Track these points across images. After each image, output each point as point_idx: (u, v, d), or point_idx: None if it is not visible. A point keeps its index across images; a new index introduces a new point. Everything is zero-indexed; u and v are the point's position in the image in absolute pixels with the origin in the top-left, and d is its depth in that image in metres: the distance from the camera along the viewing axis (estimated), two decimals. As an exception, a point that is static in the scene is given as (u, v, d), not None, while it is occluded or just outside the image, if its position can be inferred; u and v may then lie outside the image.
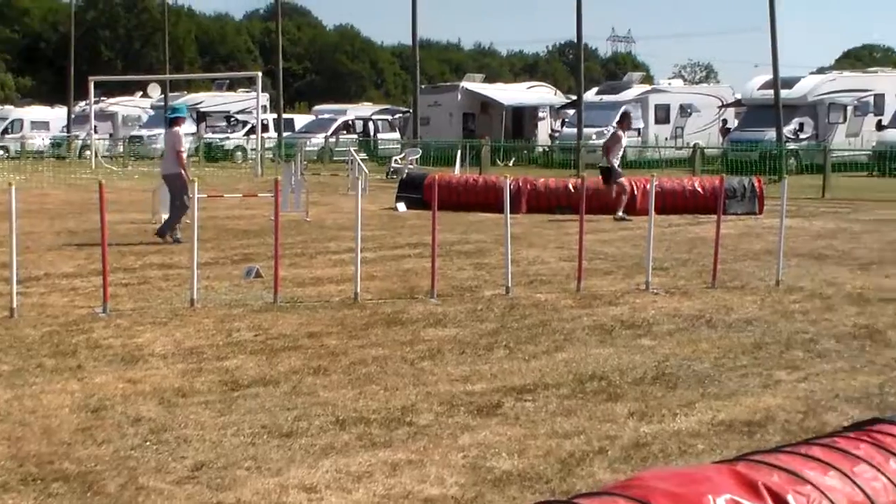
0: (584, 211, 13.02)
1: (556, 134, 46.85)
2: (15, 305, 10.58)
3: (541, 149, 45.35)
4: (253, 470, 6.08)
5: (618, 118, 24.07)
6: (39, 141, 54.35)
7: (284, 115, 50.90)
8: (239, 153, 48.80)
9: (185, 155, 17.44)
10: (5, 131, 56.16)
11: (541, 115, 49.77)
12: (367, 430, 6.85)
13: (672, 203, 21.65)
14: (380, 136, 49.07)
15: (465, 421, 7.07)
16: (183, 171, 17.14)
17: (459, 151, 32.47)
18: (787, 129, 37.03)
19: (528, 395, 7.71)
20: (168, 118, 18.75)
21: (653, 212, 13.01)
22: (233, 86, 60.34)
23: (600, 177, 21.57)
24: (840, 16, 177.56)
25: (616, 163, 21.37)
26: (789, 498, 3.78)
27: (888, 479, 4.09)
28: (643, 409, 7.37)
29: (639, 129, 43.30)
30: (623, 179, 21.33)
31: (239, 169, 42.22)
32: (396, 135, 49.53)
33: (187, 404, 7.44)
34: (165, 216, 17.46)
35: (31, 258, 14.16)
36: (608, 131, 28.35)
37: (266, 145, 45.19)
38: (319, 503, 5.60)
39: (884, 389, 7.93)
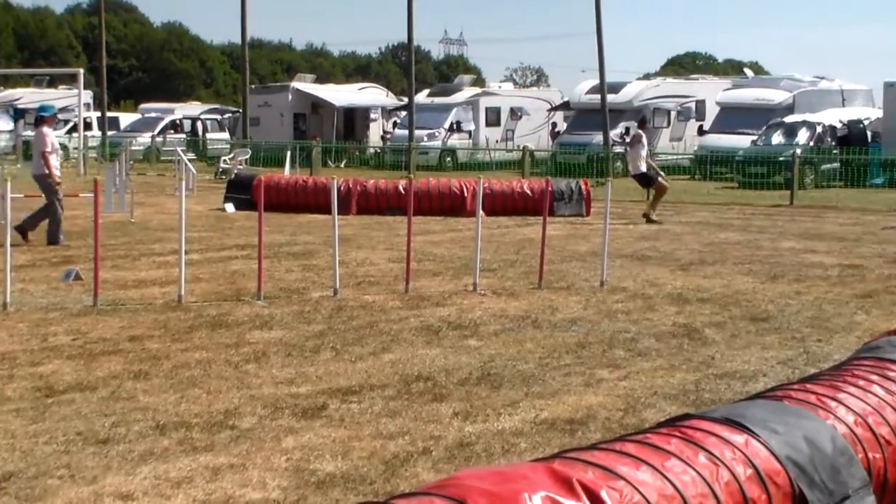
0: (414, 212, 13.05)
1: (388, 135, 46.93)
2: None
3: (372, 150, 45.36)
4: (66, 479, 5.87)
5: (638, 121, 23.99)
6: None
7: (109, 114, 49.48)
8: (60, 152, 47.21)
9: (52, 155, 16.73)
10: None
11: (372, 116, 49.79)
12: (188, 434, 6.71)
13: (502, 205, 21.95)
14: (209, 135, 48.24)
15: (290, 424, 7.00)
16: (50, 172, 16.49)
17: (289, 152, 32.18)
18: (614, 133, 37.96)
19: (354, 397, 7.68)
20: (36, 117, 17.90)
21: (480, 213, 13.14)
22: (54, 82, 58.42)
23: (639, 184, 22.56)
24: (665, 24, 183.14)
25: (643, 167, 21.94)
26: (603, 493, 3.85)
27: (697, 472, 4.21)
28: (468, 409, 7.42)
29: (469, 132, 43.74)
30: (662, 179, 22.06)
31: (60, 168, 40.84)
32: (226, 135, 48.76)
33: (-3, 412, 7.14)
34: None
35: None
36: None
37: (90, 144, 43.88)
38: (136, 511, 5.46)
39: (700, 386, 8.18)
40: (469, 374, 8.41)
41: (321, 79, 64.10)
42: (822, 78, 42.66)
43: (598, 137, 36.83)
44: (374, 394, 7.78)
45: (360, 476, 6.00)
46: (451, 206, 21.89)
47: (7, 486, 5.73)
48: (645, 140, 22.06)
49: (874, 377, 5.64)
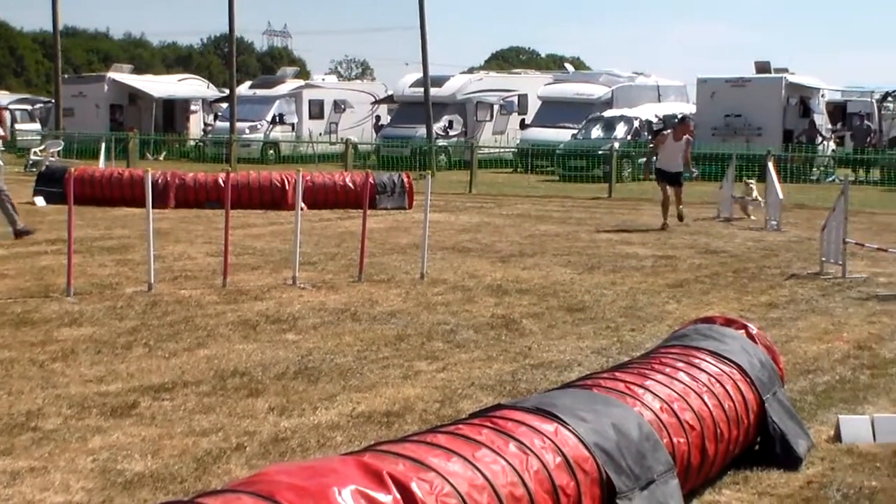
0: (234, 205, 12.81)
1: (209, 128, 46.09)
2: None
3: (193, 142, 44.48)
4: None
5: (678, 122, 20.86)
6: None
7: None
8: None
9: None
10: None
11: (193, 108, 48.77)
12: (-14, 437, 6.40)
13: (323, 198, 21.80)
14: (18, 126, 46.43)
15: (97, 423, 6.75)
16: None
17: (104, 144, 31.24)
18: (437, 126, 38.18)
19: (166, 394, 7.48)
20: None
21: (300, 206, 13.00)
22: None
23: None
24: (490, 18, 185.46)
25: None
26: (413, 485, 3.83)
27: (507, 461, 4.23)
28: (284, 403, 7.31)
29: (292, 125, 43.35)
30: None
31: None
32: (37, 126, 47.06)
33: None
34: None
35: None
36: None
37: None
38: (-74, 520, 5.17)
39: (516, 376, 8.26)
40: (286, 369, 8.29)
41: (140, 69, 62.53)
42: (640, 74, 43.82)
43: (421, 131, 37.00)
44: (188, 390, 7.59)
45: (170, 475, 5.83)
46: (272, 199, 21.61)
47: None
48: (669, 143, 19.65)
49: (680, 364, 5.79)
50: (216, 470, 5.93)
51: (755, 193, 21.12)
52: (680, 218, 19.47)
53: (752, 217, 20.71)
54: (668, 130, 20.97)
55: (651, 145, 22.14)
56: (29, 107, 51.41)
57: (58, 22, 40.25)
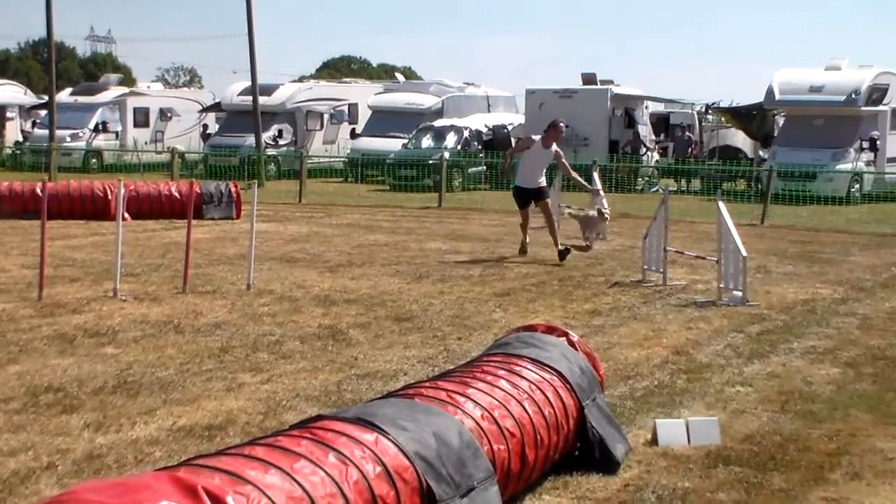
0: (53, 216, 12.40)
1: (28, 135, 44.55)
2: None
3: (9, 150, 42.90)
4: None
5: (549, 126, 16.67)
6: None
7: None
8: None
9: None
10: None
11: (9, 115, 47.08)
12: None
13: (148, 208, 21.33)
14: None
15: None
16: None
17: None
18: (267, 136, 37.78)
19: (-27, 413, 7.15)
20: None
21: (122, 216, 12.68)
22: None
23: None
24: (321, 27, 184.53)
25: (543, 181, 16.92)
26: (228, 499, 3.76)
27: (326, 472, 4.18)
28: (101, 419, 7.08)
29: (117, 133, 42.30)
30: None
31: None
32: None
33: None
34: None
35: None
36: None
37: None
38: None
39: (342, 387, 8.20)
40: (104, 383, 8.04)
41: (-48, 74, 60.09)
42: (470, 84, 44.27)
43: (250, 140, 36.55)
44: (-3, 408, 7.29)
45: (-26, 498, 5.58)
46: (93, 209, 21.00)
47: None
48: (536, 151, 16.72)
49: (502, 372, 5.84)
50: (23, 491, 5.70)
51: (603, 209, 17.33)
52: (561, 256, 15.65)
53: (605, 238, 18.24)
54: (537, 136, 16.97)
55: (509, 151, 19.49)
56: None
57: None
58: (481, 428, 5.13)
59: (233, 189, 22.40)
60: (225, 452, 4.41)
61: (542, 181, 16.84)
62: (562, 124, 17.40)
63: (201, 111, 45.68)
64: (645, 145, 36.40)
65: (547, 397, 5.82)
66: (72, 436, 6.70)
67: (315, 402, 7.71)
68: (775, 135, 34.53)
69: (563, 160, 16.96)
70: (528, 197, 16.72)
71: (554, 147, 16.66)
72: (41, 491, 5.66)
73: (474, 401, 5.32)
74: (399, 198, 29.05)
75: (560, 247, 15.91)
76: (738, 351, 9.83)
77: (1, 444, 6.49)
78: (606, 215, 17.29)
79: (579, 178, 17.57)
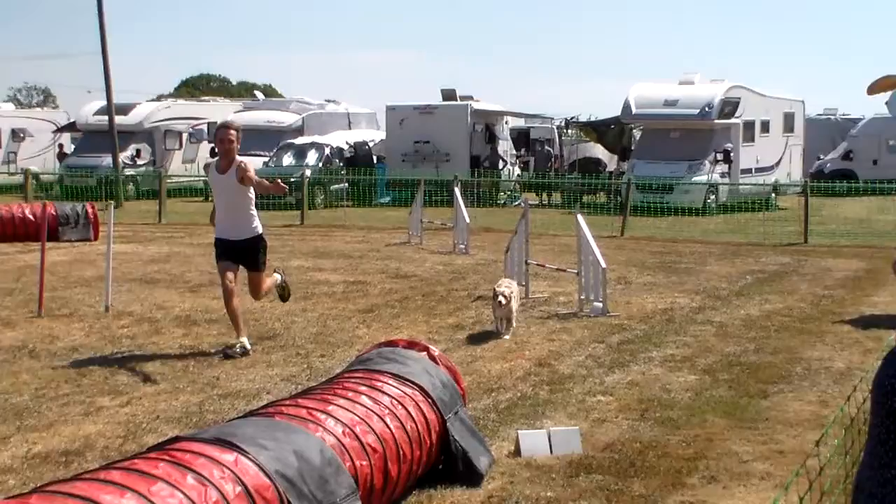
0: None
1: None
2: None
3: None
4: None
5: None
6: None
7: None
8: None
9: None
10: None
11: None
12: None
13: (1, 231, 20.71)
14: None
15: None
16: None
17: None
18: (125, 155, 37.09)
19: None
20: None
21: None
22: None
23: None
24: (179, 44, 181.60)
25: None
26: (82, 526, 3.67)
27: (185, 494, 4.13)
28: (-50, 449, 6.84)
29: None
30: None
31: None
32: None
33: None
34: None
35: None
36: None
37: None
38: None
39: (203, 407, 8.09)
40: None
41: None
42: (331, 101, 44.16)
43: (107, 160, 35.81)
44: None
45: None
46: None
47: None
48: None
49: (363, 388, 5.84)
50: None
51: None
52: None
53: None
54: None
55: None
56: None
57: None
58: (343, 444, 5.12)
59: (89, 210, 21.90)
60: (79, 478, 4.32)
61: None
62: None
63: (56, 131, 44.62)
64: (503, 160, 36.81)
65: (409, 412, 5.84)
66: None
67: (176, 423, 7.59)
68: (633, 148, 35.32)
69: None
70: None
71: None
72: None
73: (335, 417, 5.30)
74: (262, 216, 28.67)
75: None
76: (599, 361, 10.01)
77: None
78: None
79: None
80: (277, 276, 11.38)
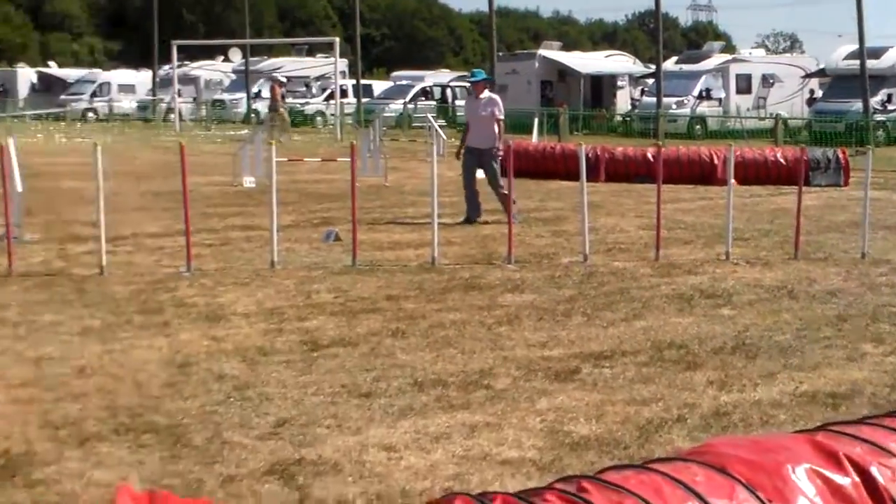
0: (663, 180, 12.93)
1: (637, 103, 46.41)
2: (104, 263, 10.85)
3: (620, 118, 44.93)
4: (333, 428, 6.16)
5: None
6: (126, 104, 55.38)
7: (363, 81, 51.09)
8: (319, 118, 49.10)
9: None
10: (94, 94, 57.22)
11: (619, 83, 49.31)
12: (444, 392, 6.90)
13: (754, 173, 21.40)
14: (458, 102, 48.95)
15: (543, 386, 7.09)
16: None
17: (537, 119, 32.32)
18: (875, 101, 36.28)
19: (606, 362, 7.70)
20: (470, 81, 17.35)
21: (731, 181, 12.90)
22: (312, 51, 60.57)
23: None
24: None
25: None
26: (873, 469, 3.70)
27: None
28: (723, 378, 7.31)
29: (719, 99, 42.72)
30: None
31: (318, 134, 42.47)
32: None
33: (269, 363, 7.56)
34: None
35: (119, 218, 14.13)
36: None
37: (346, 111, 45.35)
38: (398, 462, 5.66)
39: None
40: (723, 344, 8.27)
41: (567, 46, 63.97)
42: None
43: (857, 105, 35.28)
44: (627, 360, 7.78)
45: (614, 440, 6.03)
46: (700, 174, 21.50)
47: (281, 432, 6.06)
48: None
49: None
50: (658, 439, 6.05)
51: None
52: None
53: None
54: None
55: None
56: (467, 84, 53.86)
57: (493, 3, 42.04)
58: None
59: (841, 155, 21.87)
60: (864, 422, 4.37)
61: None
62: None
63: (804, 77, 44.83)
64: None
65: None
66: (696, 391, 6.99)
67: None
68: None
69: None
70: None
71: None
72: (673, 441, 5.99)
73: None
74: None
75: None
76: None
77: (634, 393, 6.93)
78: None
79: None
80: None
